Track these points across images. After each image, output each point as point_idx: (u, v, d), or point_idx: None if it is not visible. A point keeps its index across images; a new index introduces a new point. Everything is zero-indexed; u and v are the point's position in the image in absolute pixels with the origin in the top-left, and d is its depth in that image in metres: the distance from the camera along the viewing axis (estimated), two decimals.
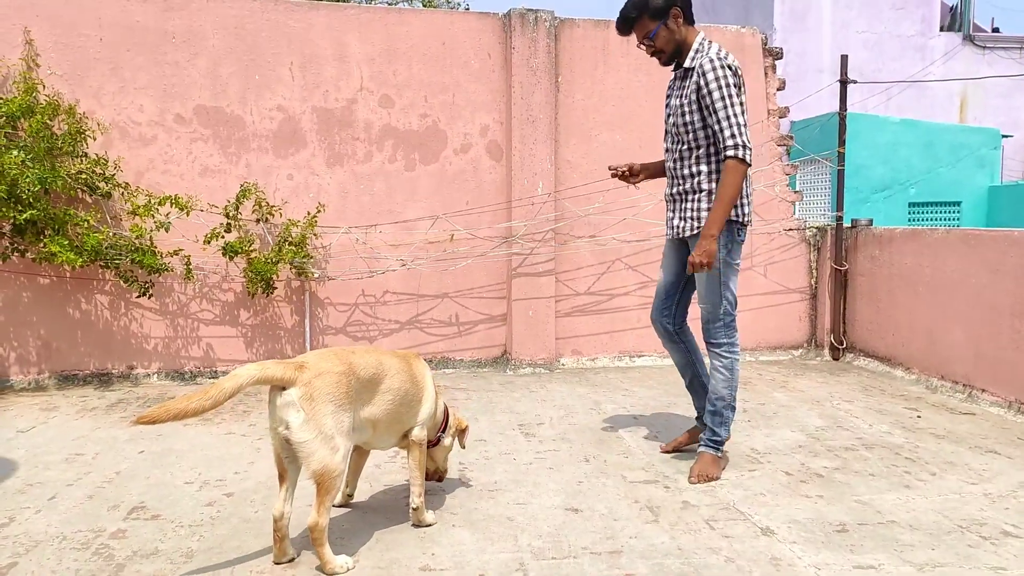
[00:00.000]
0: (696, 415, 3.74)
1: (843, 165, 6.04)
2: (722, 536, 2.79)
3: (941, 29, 13.80)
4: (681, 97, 3.29)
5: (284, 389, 2.41)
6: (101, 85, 5.06)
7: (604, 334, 5.81)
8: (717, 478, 3.33)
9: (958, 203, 10.54)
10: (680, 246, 3.49)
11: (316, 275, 5.30)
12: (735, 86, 3.16)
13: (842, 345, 5.97)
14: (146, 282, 4.93)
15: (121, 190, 4.93)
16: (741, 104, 3.18)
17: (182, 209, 4.88)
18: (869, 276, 5.71)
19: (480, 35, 5.56)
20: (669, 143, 3.43)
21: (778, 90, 6.03)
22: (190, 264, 4.97)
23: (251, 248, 5.04)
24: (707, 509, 3.03)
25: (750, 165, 3.18)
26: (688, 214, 3.35)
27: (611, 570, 2.52)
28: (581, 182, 5.68)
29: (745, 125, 3.17)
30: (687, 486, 3.27)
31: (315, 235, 5.24)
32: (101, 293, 5.13)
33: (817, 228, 6.20)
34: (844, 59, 6.00)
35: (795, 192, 6.29)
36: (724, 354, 3.38)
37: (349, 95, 5.40)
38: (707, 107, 3.17)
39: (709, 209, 3.24)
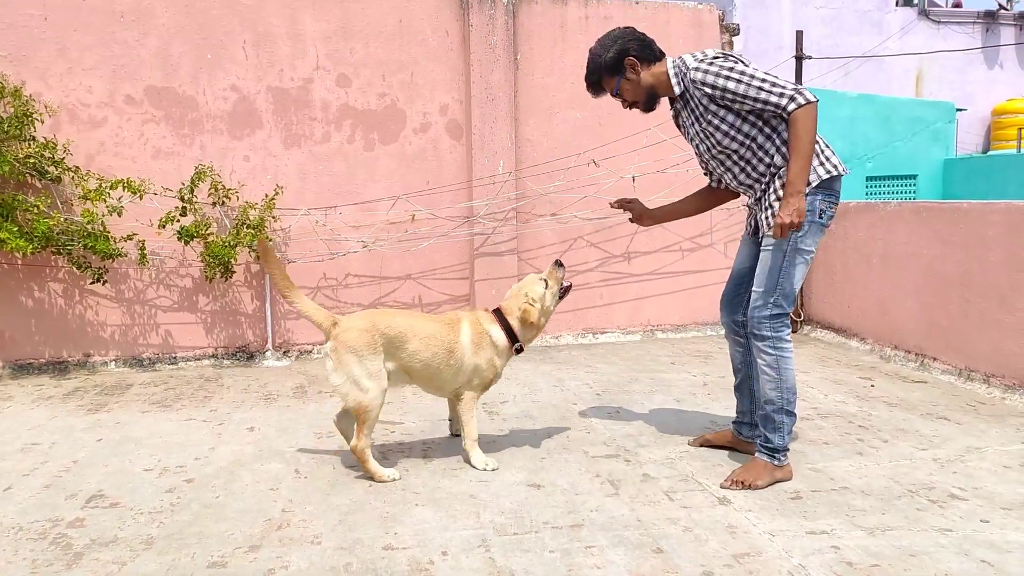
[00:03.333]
0: (734, 418, 3.46)
1: None
2: (681, 507, 2.84)
3: (897, 4, 13.94)
4: (699, 120, 3.06)
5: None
6: (48, 66, 4.92)
7: (568, 312, 5.84)
8: (758, 487, 2.97)
9: (914, 176, 10.71)
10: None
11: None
12: (737, 61, 2.96)
13: (799, 318, 6.08)
14: (100, 268, 4.83)
15: (71, 174, 4.82)
16: (755, 70, 2.94)
17: (135, 193, 4.79)
18: (825, 249, 5.81)
19: (437, 12, 5.50)
20: (719, 168, 3.16)
21: None
22: (144, 249, 4.88)
23: (208, 232, 4.96)
24: (666, 481, 3.09)
25: (816, 100, 2.86)
26: (770, 200, 3.03)
27: (572, 543, 2.56)
28: (542, 160, 5.68)
29: (776, 78, 2.90)
30: (647, 459, 3.32)
31: (274, 218, 5.18)
32: (54, 280, 5.02)
33: None
34: (799, 35, 6.07)
35: None
36: (768, 350, 3.02)
37: (305, 74, 5.32)
38: (735, 100, 2.93)
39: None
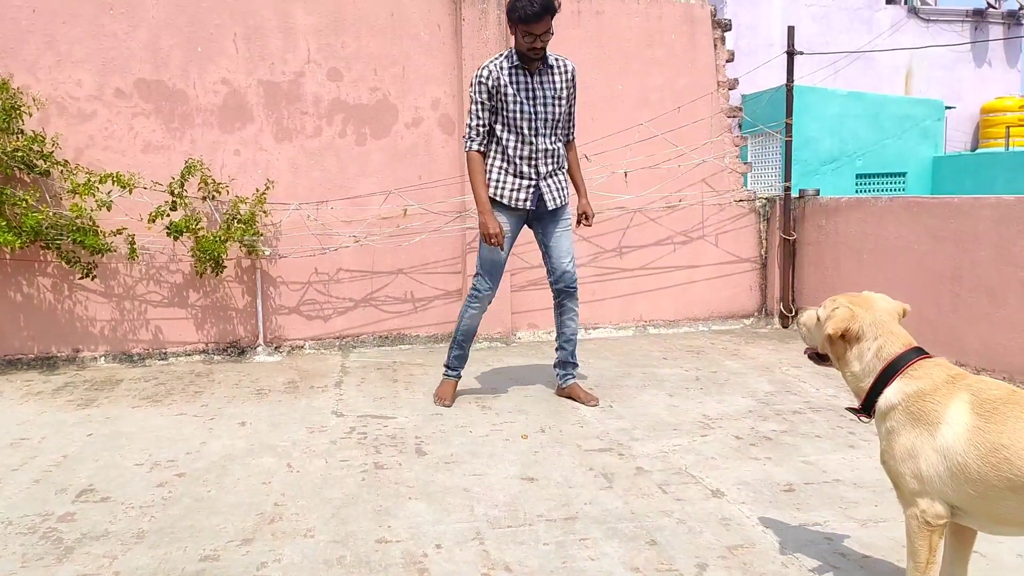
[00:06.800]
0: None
1: (791, 136, 6.12)
2: (674, 499, 2.84)
3: (887, 2, 14.01)
4: (554, 90, 3.84)
5: None
6: (36, 59, 4.87)
7: None
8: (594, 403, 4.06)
9: (903, 174, 10.78)
10: (524, 217, 4.03)
11: (267, 253, 5.21)
12: None
13: (791, 313, 6.09)
14: (89, 263, 4.79)
15: (60, 168, 4.77)
16: None
17: (124, 187, 4.75)
18: (816, 245, 5.83)
19: (429, 5, 5.48)
20: (546, 129, 3.88)
21: (727, 62, 6.07)
22: (134, 244, 4.84)
23: (198, 227, 4.93)
24: (660, 474, 3.09)
25: None
26: (561, 186, 3.99)
27: (566, 536, 2.56)
28: None
29: None
30: (640, 453, 3.33)
31: (265, 212, 5.15)
32: (43, 275, 4.98)
33: (766, 199, 6.30)
34: (791, 31, 6.06)
35: (745, 164, 6.37)
36: (577, 300, 4.24)
37: (296, 68, 5.29)
38: (571, 102, 3.94)
39: (565, 180, 4.04)
